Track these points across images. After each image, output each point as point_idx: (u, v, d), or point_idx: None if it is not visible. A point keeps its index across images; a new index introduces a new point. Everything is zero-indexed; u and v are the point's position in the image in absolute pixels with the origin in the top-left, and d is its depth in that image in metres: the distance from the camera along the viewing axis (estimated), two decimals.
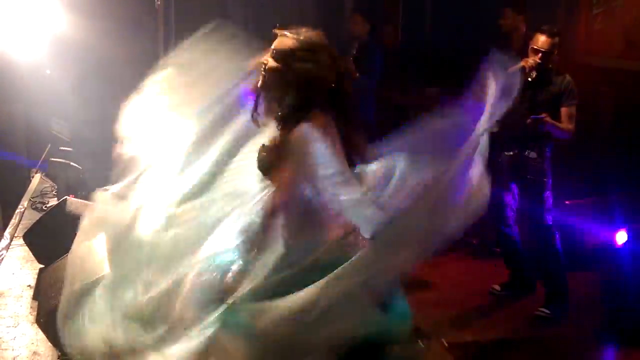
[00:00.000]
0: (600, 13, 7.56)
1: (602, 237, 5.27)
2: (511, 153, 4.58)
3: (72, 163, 6.66)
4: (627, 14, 7.08)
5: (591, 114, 6.65)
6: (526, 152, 4.51)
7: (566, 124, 4.39)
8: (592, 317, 4.61)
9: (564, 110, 4.40)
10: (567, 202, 4.75)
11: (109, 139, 6.09)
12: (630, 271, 4.99)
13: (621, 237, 5.28)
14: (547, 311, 4.55)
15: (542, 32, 4.49)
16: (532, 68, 4.43)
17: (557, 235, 4.59)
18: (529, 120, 4.36)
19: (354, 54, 7.34)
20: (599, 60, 7.37)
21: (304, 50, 2.67)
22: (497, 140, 4.75)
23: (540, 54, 4.43)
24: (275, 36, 2.73)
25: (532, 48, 4.48)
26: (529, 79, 4.42)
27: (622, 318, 4.45)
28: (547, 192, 4.55)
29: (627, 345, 4.30)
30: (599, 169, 5.86)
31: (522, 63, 4.41)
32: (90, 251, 4.13)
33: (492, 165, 4.62)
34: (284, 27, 2.77)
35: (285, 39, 2.71)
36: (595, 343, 4.37)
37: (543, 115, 4.32)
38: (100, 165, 6.32)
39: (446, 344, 4.16)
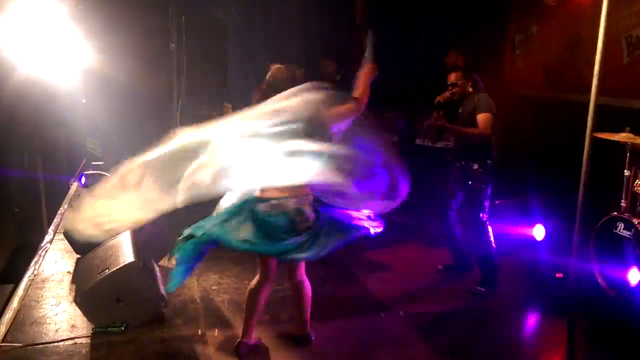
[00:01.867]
0: (521, 54, 7.68)
1: (523, 230, 5.35)
2: (458, 164, 4.62)
3: (103, 173, 6.63)
4: (541, 55, 7.21)
5: (515, 132, 6.74)
6: (470, 164, 4.54)
7: (478, 129, 4.43)
8: (515, 293, 4.65)
9: (478, 117, 4.45)
10: (496, 202, 4.78)
11: (133, 155, 6.07)
12: (546, 257, 5.07)
13: (538, 229, 5.35)
14: (481, 289, 4.58)
15: (451, 71, 4.70)
16: (446, 99, 4.59)
17: (490, 229, 4.62)
18: (425, 124, 4.51)
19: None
20: (521, 90, 7.49)
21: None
22: (449, 154, 4.83)
23: (449, 87, 4.61)
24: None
25: (447, 83, 4.67)
26: (446, 107, 4.59)
27: (539, 293, 4.51)
28: (486, 196, 4.59)
29: (543, 314, 4.37)
30: (521, 175, 5.93)
31: (438, 97, 4.64)
32: (118, 246, 4.13)
33: (446, 173, 4.72)
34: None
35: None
36: (517, 313, 4.39)
37: (436, 118, 4.51)
38: None
39: (402, 314, 4.18)
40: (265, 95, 3.27)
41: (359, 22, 8.12)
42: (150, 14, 6.95)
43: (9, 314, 3.96)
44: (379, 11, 8.14)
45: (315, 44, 8.22)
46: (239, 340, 3.52)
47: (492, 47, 7.81)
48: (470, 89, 4.59)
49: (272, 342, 3.73)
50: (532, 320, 4.39)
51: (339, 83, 7.33)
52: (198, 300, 4.33)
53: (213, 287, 4.55)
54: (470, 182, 4.52)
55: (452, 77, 4.65)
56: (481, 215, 4.56)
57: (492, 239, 4.62)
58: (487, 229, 4.61)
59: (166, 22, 6.95)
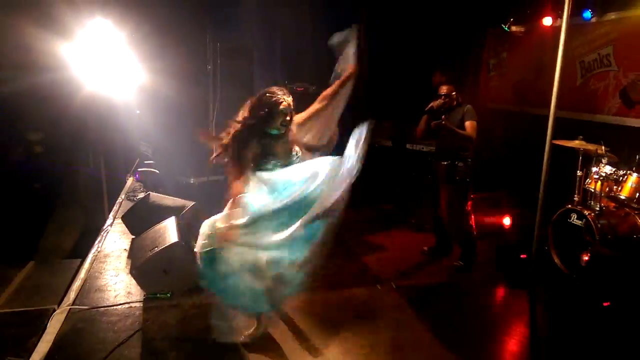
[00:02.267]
0: (494, 75, 7.65)
1: (494, 219, 5.33)
2: (445, 163, 4.56)
3: (153, 170, 6.69)
4: (512, 76, 7.18)
5: (488, 139, 6.71)
6: (456, 162, 4.50)
7: (468, 132, 4.38)
8: (488, 271, 4.64)
9: (466, 124, 4.39)
10: (472, 196, 4.77)
11: (177, 155, 6.12)
12: (512, 241, 5.06)
13: (506, 219, 5.34)
14: (462, 263, 4.57)
15: (444, 83, 4.60)
16: (439, 105, 4.48)
17: (472, 217, 4.60)
18: (433, 124, 4.41)
19: None
20: (494, 105, 7.46)
21: None
22: (437, 153, 4.76)
23: (443, 96, 4.49)
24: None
25: (439, 94, 4.54)
26: (440, 113, 4.46)
27: (507, 271, 4.51)
28: (469, 189, 4.56)
29: (510, 288, 4.37)
30: (493, 175, 5.91)
31: (431, 104, 4.52)
32: (165, 228, 4.16)
33: (431, 172, 4.68)
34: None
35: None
36: (489, 288, 4.39)
37: (442, 119, 4.38)
38: (171, 171, 6.35)
39: (394, 286, 4.19)
40: None
41: (361, 46, 8.11)
42: (191, 42, 6.97)
43: (77, 283, 4.02)
44: (378, 38, 8.12)
45: (325, 64, 8.21)
46: None
47: (470, 69, 7.79)
48: (456, 102, 4.52)
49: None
50: (501, 293, 4.37)
51: None
52: None
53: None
54: (457, 178, 4.47)
55: (445, 89, 4.53)
56: (466, 205, 4.54)
57: (474, 225, 4.60)
58: (471, 217, 4.58)
59: (204, 48, 6.98)
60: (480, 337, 3.51)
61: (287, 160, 3.08)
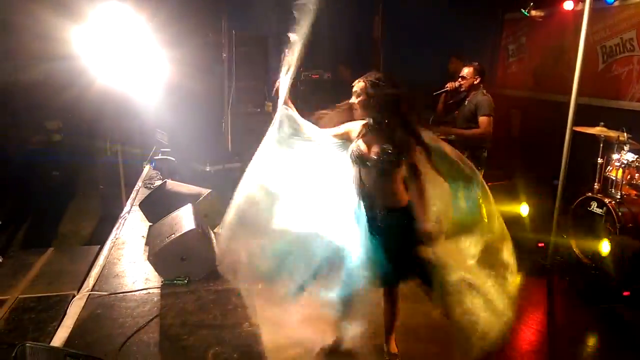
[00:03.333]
0: (513, 61, 7.51)
1: (512, 207, 5.25)
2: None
3: (169, 158, 6.72)
4: (531, 62, 7.04)
5: (505, 127, 6.62)
6: (472, 153, 4.41)
7: (481, 130, 4.29)
8: None
9: (480, 119, 4.31)
10: (489, 184, 4.68)
11: (193, 143, 6.13)
12: (530, 230, 5.00)
13: (524, 207, 5.26)
14: None
15: (466, 65, 4.50)
16: (452, 88, 4.43)
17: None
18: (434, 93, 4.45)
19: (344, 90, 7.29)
20: (511, 91, 7.34)
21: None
22: (453, 145, 4.69)
23: (460, 78, 4.42)
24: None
25: (459, 75, 4.46)
26: (453, 99, 4.44)
27: (525, 260, 4.44)
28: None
29: (528, 277, 4.31)
30: (510, 163, 5.82)
31: (447, 86, 4.47)
32: (182, 216, 4.18)
33: None
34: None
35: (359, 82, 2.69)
36: None
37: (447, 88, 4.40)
38: (187, 159, 6.38)
39: None
40: None
41: (376, 36, 8.01)
42: (207, 30, 6.97)
43: (96, 269, 4.06)
44: (392, 27, 8.02)
45: (340, 52, 8.14)
46: None
47: (488, 55, 7.66)
48: (476, 82, 4.38)
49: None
50: (517, 281, 4.32)
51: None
52: (245, 260, 4.35)
53: (257, 250, 4.56)
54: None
55: (465, 71, 4.42)
56: None
57: None
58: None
59: (219, 37, 6.97)
60: None
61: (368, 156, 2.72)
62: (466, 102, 4.45)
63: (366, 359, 2.91)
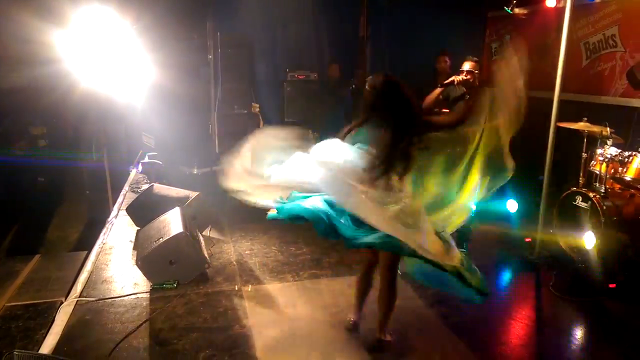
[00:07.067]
0: (497, 59, 7.56)
1: (500, 202, 5.30)
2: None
3: (156, 161, 6.68)
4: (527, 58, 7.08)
5: None
6: None
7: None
8: (493, 254, 4.63)
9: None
10: None
11: (180, 146, 6.10)
12: (517, 225, 5.05)
13: (511, 203, 5.31)
14: (462, 250, 4.52)
15: (468, 59, 4.37)
16: (459, 82, 4.30)
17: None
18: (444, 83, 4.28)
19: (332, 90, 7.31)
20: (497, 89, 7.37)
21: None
22: None
23: (465, 72, 4.29)
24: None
25: (461, 70, 4.32)
26: (455, 94, 4.31)
27: (512, 254, 4.50)
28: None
29: (516, 271, 4.36)
30: None
31: (452, 78, 4.32)
32: (170, 219, 4.16)
33: None
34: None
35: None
36: (494, 271, 4.37)
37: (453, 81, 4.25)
38: (174, 162, 6.35)
39: (400, 272, 4.15)
40: None
41: (362, 34, 8.05)
42: (192, 32, 6.94)
43: (84, 275, 4.02)
44: (377, 26, 8.07)
45: (326, 52, 8.17)
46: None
47: (472, 53, 7.71)
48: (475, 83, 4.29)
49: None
50: (505, 276, 4.37)
51: (339, 85, 7.28)
52: (234, 262, 4.36)
53: (246, 252, 4.58)
54: None
55: (469, 65, 4.27)
56: None
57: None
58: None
59: (204, 39, 6.94)
60: (486, 320, 3.51)
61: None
62: (467, 97, 4.32)
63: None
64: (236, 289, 3.86)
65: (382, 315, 3.03)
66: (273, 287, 3.90)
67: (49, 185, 7.07)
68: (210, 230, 4.97)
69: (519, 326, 3.43)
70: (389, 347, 3.06)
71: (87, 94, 5.25)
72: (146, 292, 3.76)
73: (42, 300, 3.64)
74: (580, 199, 4.35)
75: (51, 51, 4.92)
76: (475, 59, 4.40)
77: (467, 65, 4.34)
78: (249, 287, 3.90)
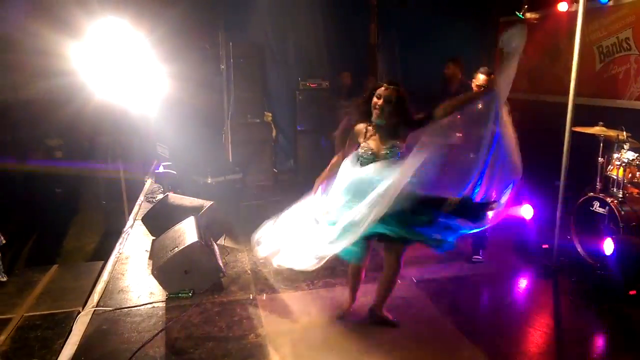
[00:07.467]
0: None
1: (514, 210, 5.23)
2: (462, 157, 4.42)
3: (171, 171, 6.73)
4: (526, 63, 7.04)
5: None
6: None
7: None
8: (509, 261, 4.60)
9: None
10: None
11: (194, 155, 6.13)
12: (534, 231, 4.98)
13: (526, 209, 5.25)
14: (479, 257, 4.50)
15: (481, 72, 4.21)
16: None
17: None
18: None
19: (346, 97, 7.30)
20: (509, 94, 7.32)
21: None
22: (455, 148, 4.62)
23: (482, 87, 4.10)
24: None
25: (475, 85, 4.20)
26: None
27: (529, 262, 4.44)
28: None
29: (532, 279, 4.31)
30: None
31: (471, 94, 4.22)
32: (184, 229, 4.19)
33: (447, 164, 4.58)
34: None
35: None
36: (511, 278, 4.34)
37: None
38: (188, 172, 6.39)
39: (415, 280, 4.15)
40: None
41: (373, 42, 8.06)
42: (205, 43, 7.01)
43: (100, 285, 4.05)
44: (388, 34, 8.07)
45: (337, 59, 8.19)
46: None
47: (484, 59, 7.68)
48: None
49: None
50: (523, 284, 4.31)
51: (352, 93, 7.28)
52: (249, 271, 4.36)
53: (261, 260, 4.55)
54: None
55: (483, 79, 4.13)
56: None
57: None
58: None
59: (217, 49, 7.01)
60: (503, 328, 3.46)
61: (379, 153, 3.10)
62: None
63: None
64: (251, 297, 3.86)
65: (385, 293, 3.44)
66: (288, 296, 3.90)
67: (66, 196, 7.16)
68: (224, 239, 4.98)
69: (537, 334, 3.38)
70: (392, 324, 3.41)
71: (102, 106, 5.31)
72: (162, 302, 3.78)
73: (59, 310, 3.68)
74: (598, 205, 4.29)
75: (67, 63, 4.99)
76: (490, 70, 4.24)
77: (480, 78, 4.21)
78: (264, 296, 3.89)
